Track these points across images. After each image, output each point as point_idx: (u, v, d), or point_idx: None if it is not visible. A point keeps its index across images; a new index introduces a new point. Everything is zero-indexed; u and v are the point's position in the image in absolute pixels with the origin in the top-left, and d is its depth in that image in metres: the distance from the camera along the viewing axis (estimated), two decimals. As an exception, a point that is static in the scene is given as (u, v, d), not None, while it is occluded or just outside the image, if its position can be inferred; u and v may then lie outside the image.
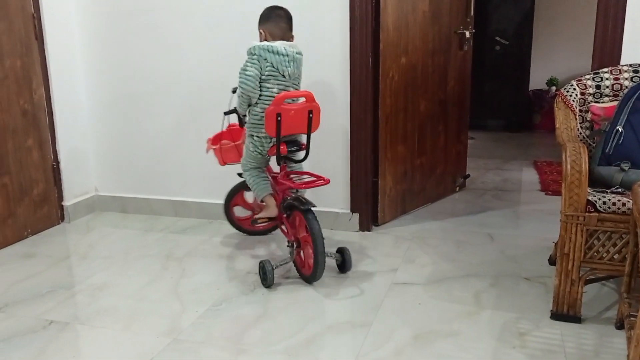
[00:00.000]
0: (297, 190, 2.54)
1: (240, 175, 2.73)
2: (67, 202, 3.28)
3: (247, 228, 3.00)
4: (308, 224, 2.34)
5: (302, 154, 2.54)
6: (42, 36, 3.04)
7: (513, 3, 5.62)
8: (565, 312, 2.06)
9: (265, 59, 2.41)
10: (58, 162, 3.21)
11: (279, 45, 2.43)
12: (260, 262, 2.45)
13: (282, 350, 1.93)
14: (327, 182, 2.44)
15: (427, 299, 2.28)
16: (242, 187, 2.88)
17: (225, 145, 2.74)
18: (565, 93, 2.38)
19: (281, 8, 2.55)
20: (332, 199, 3.06)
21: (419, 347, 1.93)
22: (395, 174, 3.16)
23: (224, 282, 2.46)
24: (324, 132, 2.98)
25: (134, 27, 3.19)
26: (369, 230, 3.04)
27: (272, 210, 2.60)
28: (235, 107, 2.56)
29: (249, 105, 2.52)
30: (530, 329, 2.03)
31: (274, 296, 2.33)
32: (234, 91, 2.53)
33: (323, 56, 2.90)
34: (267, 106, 2.37)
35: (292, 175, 2.58)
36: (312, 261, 2.35)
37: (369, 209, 3.02)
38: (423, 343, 1.96)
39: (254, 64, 2.41)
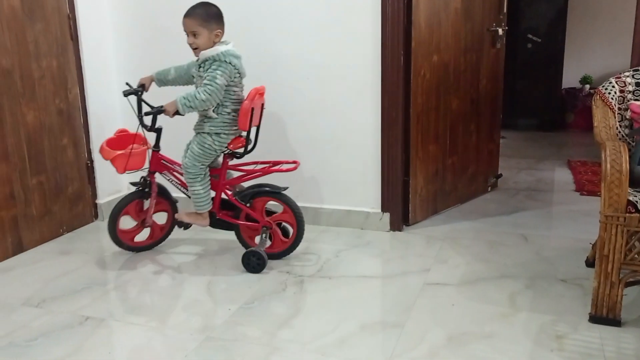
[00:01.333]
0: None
1: (136, 185, 2.68)
2: (101, 200, 3.33)
3: (129, 244, 2.79)
4: (288, 202, 2.62)
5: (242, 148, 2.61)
6: (77, 36, 3.09)
7: (546, 0, 5.52)
8: (605, 315, 2.01)
9: (234, 66, 2.43)
10: (92, 161, 3.26)
11: (234, 47, 2.49)
12: (247, 252, 2.56)
13: (315, 349, 1.92)
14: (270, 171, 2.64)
15: (461, 300, 2.25)
16: (136, 197, 2.71)
17: (136, 150, 2.58)
18: (603, 91, 2.33)
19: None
20: (362, 198, 3.05)
21: (454, 349, 1.90)
22: (427, 173, 3.13)
23: (255, 281, 2.47)
24: (354, 131, 2.98)
25: (165, 28, 3.22)
26: (399, 230, 3.02)
27: (206, 222, 2.64)
28: (158, 109, 2.46)
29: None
30: (568, 332, 1.98)
31: (305, 295, 2.33)
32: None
33: (354, 54, 2.89)
34: (237, 106, 2.50)
35: (229, 171, 2.68)
36: (292, 236, 2.65)
37: (399, 208, 3.00)
38: (457, 344, 1.93)
39: (224, 73, 2.40)
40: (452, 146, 3.27)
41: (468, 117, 3.34)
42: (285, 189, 2.62)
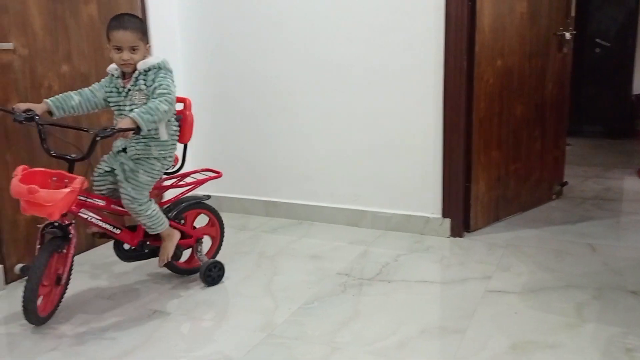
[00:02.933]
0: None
1: (50, 233, 2.09)
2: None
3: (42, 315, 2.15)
4: (211, 210, 2.59)
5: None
6: (148, 42, 3.22)
7: (616, 3, 5.32)
8: (679, 329, 1.92)
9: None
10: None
11: None
12: (208, 265, 2.47)
13: (375, 351, 1.93)
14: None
15: (524, 309, 2.20)
16: (53, 249, 2.10)
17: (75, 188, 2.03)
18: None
19: None
20: (422, 203, 3.03)
21: (517, 357, 1.87)
22: (489, 179, 3.08)
23: (314, 282, 2.50)
24: (415, 135, 2.97)
25: (231, 31, 3.32)
26: (460, 237, 2.98)
27: (177, 235, 2.38)
28: (112, 129, 2.03)
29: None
30: (639, 346, 1.91)
31: (365, 298, 2.34)
32: (104, 136, 2.01)
33: (415, 58, 2.89)
34: (173, 122, 2.30)
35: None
36: (212, 247, 2.63)
37: (460, 214, 2.96)
38: (521, 353, 1.89)
39: (173, 81, 2.22)
40: (516, 152, 3.21)
41: (532, 123, 3.27)
42: (208, 197, 2.57)
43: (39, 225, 2.14)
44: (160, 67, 2.20)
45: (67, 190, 2.00)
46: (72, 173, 2.10)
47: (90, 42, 2.86)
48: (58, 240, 2.10)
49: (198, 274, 2.49)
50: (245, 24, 3.27)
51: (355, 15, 2.98)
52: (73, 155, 2.14)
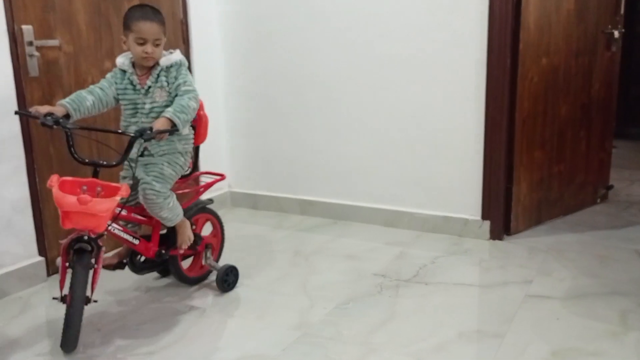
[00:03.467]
0: None
1: (78, 251, 1.90)
2: (203, 196, 3.47)
3: None
4: (215, 215, 2.53)
5: None
6: (189, 40, 3.26)
7: (667, 0, 5.13)
8: None
9: None
10: (197, 159, 3.42)
11: None
12: (225, 270, 2.39)
13: (411, 353, 1.90)
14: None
15: (566, 315, 2.13)
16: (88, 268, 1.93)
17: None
18: None
19: None
20: (461, 205, 2.97)
21: (559, 365, 1.81)
22: (531, 181, 3.00)
23: (350, 282, 2.48)
24: (456, 135, 2.91)
25: (270, 31, 3.32)
26: (500, 239, 2.91)
27: (187, 222, 2.28)
28: (151, 130, 1.94)
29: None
30: (689, 357, 1.82)
31: (402, 299, 2.30)
32: (148, 138, 1.93)
33: (458, 56, 2.83)
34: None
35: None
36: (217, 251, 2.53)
37: (501, 216, 2.89)
38: (563, 360, 1.83)
39: (191, 78, 2.19)
40: (560, 153, 3.11)
41: (578, 123, 3.17)
42: (212, 202, 2.50)
43: (61, 241, 1.95)
44: (181, 64, 2.15)
45: (117, 198, 1.87)
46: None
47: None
48: (87, 255, 1.89)
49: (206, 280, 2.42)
50: (285, 21, 3.27)
51: (397, 12, 2.94)
52: (104, 162, 2.00)
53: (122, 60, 2.15)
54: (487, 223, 2.91)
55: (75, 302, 1.87)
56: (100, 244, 1.95)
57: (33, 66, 2.43)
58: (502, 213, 2.89)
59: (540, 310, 2.18)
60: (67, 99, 2.05)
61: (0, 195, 2.36)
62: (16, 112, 2.08)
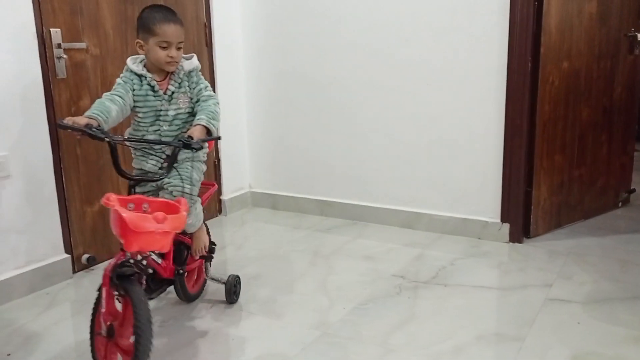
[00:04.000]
0: None
1: (125, 275, 1.73)
2: (225, 196, 3.54)
3: None
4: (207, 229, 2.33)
5: None
6: (212, 43, 3.30)
7: (692, 2, 5.05)
8: None
9: None
10: (219, 160, 3.47)
11: None
12: (232, 279, 2.30)
13: (430, 355, 1.91)
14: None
15: (587, 319, 2.12)
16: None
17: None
18: None
19: None
20: (480, 207, 2.97)
21: (579, 369, 1.81)
22: (551, 184, 2.99)
23: (369, 283, 2.50)
24: (475, 137, 2.92)
25: (291, 33, 3.35)
26: (519, 242, 2.91)
27: (204, 227, 2.23)
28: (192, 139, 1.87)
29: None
30: None
31: (421, 301, 2.32)
32: (198, 147, 1.87)
33: (478, 59, 2.84)
34: None
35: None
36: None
37: (520, 219, 2.89)
38: (583, 364, 1.83)
39: None
40: (580, 157, 3.10)
41: (599, 127, 3.15)
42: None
43: (108, 268, 1.72)
44: (199, 68, 2.09)
45: (184, 213, 1.76)
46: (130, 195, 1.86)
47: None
48: (137, 282, 1.74)
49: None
50: (306, 24, 3.30)
51: (416, 15, 2.96)
52: (151, 175, 1.91)
53: (137, 66, 2.00)
54: (507, 226, 2.91)
55: (141, 342, 1.62)
56: (143, 266, 1.82)
57: (61, 68, 2.50)
58: (522, 216, 2.89)
59: (561, 314, 2.17)
60: (94, 110, 1.84)
61: (28, 194, 2.42)
62: (60, 126, 1.74)
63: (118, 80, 2.01)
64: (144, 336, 1.63)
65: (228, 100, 3.45)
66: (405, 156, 3.14)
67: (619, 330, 2.04)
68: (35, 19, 2.38)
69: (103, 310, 1.70)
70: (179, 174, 2.01)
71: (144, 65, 2.02)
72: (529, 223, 2.94)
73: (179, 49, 1.98)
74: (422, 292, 2.40)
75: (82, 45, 2.58)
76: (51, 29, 2.44)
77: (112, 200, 1.68)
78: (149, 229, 1.64)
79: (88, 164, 2.67)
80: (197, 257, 2.20)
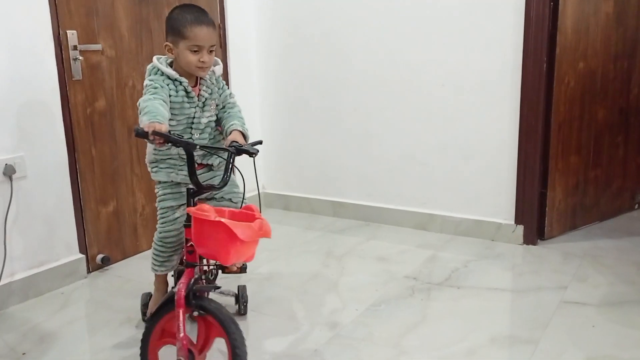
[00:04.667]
0: None
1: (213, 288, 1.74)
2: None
3: None
4: None
5: None
6: (226, 44, 3.32)
7: None
8: None
9: None
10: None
11: None
12: (242, 288, 2.20)
13: (442, 357, 1.90)
14: None
15: (602, 322, 2.10)
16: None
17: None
18: None
19: None
20: (494, 209, 2.95)
21: (594, 372, 1.79)
22: (566, 186, 2.96)
23: (381, 284, 2.49)
24: (489, 138, 2.90)
25: (304, 35, 3.36)
26: (534, 244, 2.88)
27: None
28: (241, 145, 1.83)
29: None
30: None
31: (433, 303, 2.31)
32: (257, 153, 1.81)
33: (492, 60, 2.82)
34: None
35: None
36: None
37: (535, 221, 2.87)
38: (598, 368, 1.81)
39: None
40: (596, 158, 3.07)
41: (615, 128, 3.11)
42: None
43: (181, 289, 1.59)
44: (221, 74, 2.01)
45: (265, 219, 1.66)
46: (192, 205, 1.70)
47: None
48: (209, 298, 1.66)
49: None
50: (319, 25, 3.30)
51: (431, 16, 2.95)
52: (213, 185, 1.79)
53: (168, 69, 1.84)
54: (521, 227, 2.88)
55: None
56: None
57: (77, 69, 2.52)
58: (536, 218, 2.87)
59: (576, 316, 2.15)
60: (158, 116, 1.66)
61: (44, 194, 2.45)
62: (137, 135, 1.62)
63: (151, 83, 1.80)
64: (244, 356, 1.56)
65: (241, 101, 3.40)
66: (418, 157, 3.13)
67: (634, 333, 2.01)
68: (51, 21, 2.41)
69: (181, 335, 1.58)
70: (231, 182, 1.98)
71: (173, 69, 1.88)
72: (544, 225, 2.92)
73: (210, 52, 1.84)
74: (435, 294, 2.39)
75: (98, 47, 2.60)
76: (67, 31, 2.47)
77: (209, 211, 1.55)
78: (255, 238, 1.57)
79: (103, 165, 2.69)
80: (234, 268, 2.10)
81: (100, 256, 2.72)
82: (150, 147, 1.96)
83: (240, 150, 1.76)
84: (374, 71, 3.17)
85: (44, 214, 2.46)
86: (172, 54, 1.86)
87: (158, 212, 2.00)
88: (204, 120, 1.94)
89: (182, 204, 1.94)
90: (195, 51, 1.81)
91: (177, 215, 1.97)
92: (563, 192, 2.96)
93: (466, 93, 2.92)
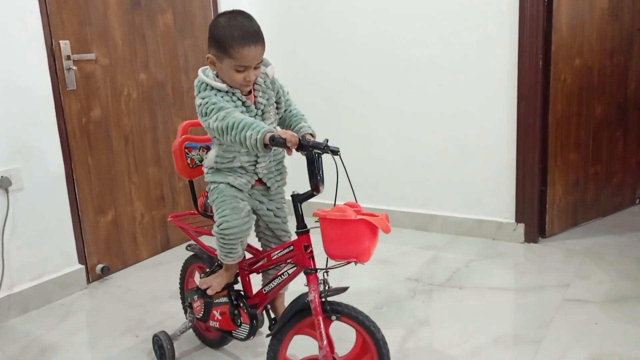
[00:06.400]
0: None
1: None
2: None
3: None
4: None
5: None
6: (220, 50, 3.30)
7: None
8: None
9: None
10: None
11: None
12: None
13: (446, 359, 1.89)
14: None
15: (605, 319, 2.09)
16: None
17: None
18: None
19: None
20: (495, 208, 2.94)
21: (598, 370, 1.78)
22: (566, 183, 2.95)
23: (384, 287, 2.48)
24: (487, 137, 2.89)
25: (303, 36, 3.35)
26: (535, 242, 2.87)
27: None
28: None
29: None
30: None
31: (436, 304, 2.29)
32: (338, 151, 1.74)
33: (488, 59, 2.81)
34: None
35: None
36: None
37: (535, 219, 2.85)
38: (603, 366, 1.80)
39: None
40: (595, 154, 3.06)
41: (614, 123, 3.10)
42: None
43: (315, 297, 1.64)
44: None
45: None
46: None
47: (166, 50, 2.97)
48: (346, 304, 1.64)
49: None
50: (318, 27, 3.29)
51: (428, 16, 2.94)
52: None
53: (219, 83, 1.68)
54: (522, 226, 2.87)
55: None
56: None
57: (71, 79, 2.52)
58: (537, 216, 2.85)
59: (579, 314, 2.14)
60: (268, 126, 1.58)
61: (41, 206, 2.44)
62: (274, 145, 1.55)
63: (213, 100, 1.65)
64: (388, 354, 1.54)
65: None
66: (418, 158, 3.12)
67: (637, 330, 2.00)
68: (44, 31, 2.40)
69: (324, 342, 1.56)
70: (283, 219, 2.00)
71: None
72: (545, 222, 2.90)
73: (256, 68, 1.70)
74: (437, 295, 2.37)
75: (92, 56, 2.60)
76: (60, 41, 2.46)
77: (349, 212, 1.53)
78: (389, 230, 1.54)
79: (100, 175, 2.68)
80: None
81: (99, 266, 2.71)
82: (212, 154, 1.79)
83: (332, 151, 1.69)
84: (372, 73, 3.16)
85: (42, 225, 2.45)
86: (214, 67, 1.70)
87: (215, 206, 1.80)
88: None
89: (243, 200, 1.81)
90: (240, 70, 1.65)
91: (241, 205, 1.79)
92: (563, 189, 2.94)
93: (464, 93, 2.91)
